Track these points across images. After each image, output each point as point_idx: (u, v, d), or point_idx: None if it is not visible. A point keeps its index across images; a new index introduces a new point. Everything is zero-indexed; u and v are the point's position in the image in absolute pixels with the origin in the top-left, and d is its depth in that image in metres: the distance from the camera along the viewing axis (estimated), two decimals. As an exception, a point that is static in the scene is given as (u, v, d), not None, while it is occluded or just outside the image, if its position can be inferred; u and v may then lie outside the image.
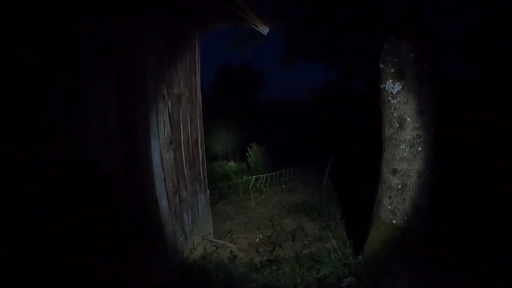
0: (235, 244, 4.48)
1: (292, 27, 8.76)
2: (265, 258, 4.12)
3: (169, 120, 3.64)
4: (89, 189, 2.78)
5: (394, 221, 3.41)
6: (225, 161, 9.21)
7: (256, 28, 4.38)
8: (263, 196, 6.64)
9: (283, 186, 7.11)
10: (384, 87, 3.36)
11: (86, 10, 2.68)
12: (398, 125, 3.30)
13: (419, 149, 3.27)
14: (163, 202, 3.51)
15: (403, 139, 3.30)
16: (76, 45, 2.61)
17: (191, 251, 3.93)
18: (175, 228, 3.70)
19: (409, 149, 3.28)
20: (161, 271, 3.40)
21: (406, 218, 3.36)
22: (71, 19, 2.56)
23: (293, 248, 4.35)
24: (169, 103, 3.64)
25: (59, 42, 2.49)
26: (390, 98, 3.34)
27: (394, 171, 3.38)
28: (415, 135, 3.25)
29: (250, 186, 6.99)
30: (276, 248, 4.35)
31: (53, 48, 2.44)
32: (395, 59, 3.26)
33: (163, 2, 3.45)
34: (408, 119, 3.26)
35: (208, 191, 4.54)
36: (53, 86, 2.43)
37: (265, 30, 4.48)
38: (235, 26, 4.60)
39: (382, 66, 3.38)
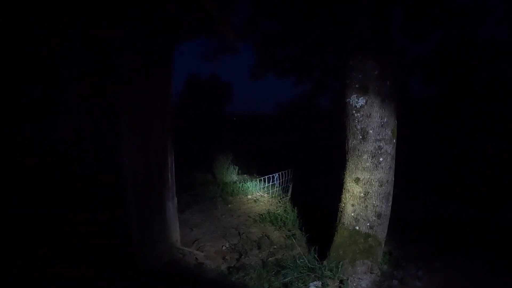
0: (202, 251, 4.49)
1: (264, 41, 8.95)
2: (232, 265, 4.16)
3: (140, 126, 3.65)
4: (57, 193, 2.75)
5: (357, 228, 3.60)
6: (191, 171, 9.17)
7: (229, 41, 4.50)
8: (229, 206, 6.69)
9: (249, 196, 7.19)
10: (349, 101, 3.58)
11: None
12: (361, 136, 3.52)
13: (381, 159, 3.49)
14: (131, 208, 3.49)
15: (365, 150, 3.52)
16: (54, 52, 2.63)
17: (158, 258, 3.90)
18: (142, 234, 3.67)
19: (371, 160, 3.50)
20: (127, 278, 3.36)
21: (368, 224, 3.56)
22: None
23: (259, 255, 4.42)
24: (141, 109, 3.65)
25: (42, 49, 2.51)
26: (354, 111, 3.55)
27: (357, 180, 3.58)
28: (376, 147, 3.48)
29: (216, 196, 7.02)
30: (243, 256, 4.40)
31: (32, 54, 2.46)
32: (360, 76, 3.48)
33: (138, 18, 3.49)
34: (371, 131, 3.48)
35: (176, 199, 4.52)
36: (30, 85, 2.42)
37: (237, 42, 4.61)
38: (208, 38, 4.68)
39: (347, 81, 3.60)
